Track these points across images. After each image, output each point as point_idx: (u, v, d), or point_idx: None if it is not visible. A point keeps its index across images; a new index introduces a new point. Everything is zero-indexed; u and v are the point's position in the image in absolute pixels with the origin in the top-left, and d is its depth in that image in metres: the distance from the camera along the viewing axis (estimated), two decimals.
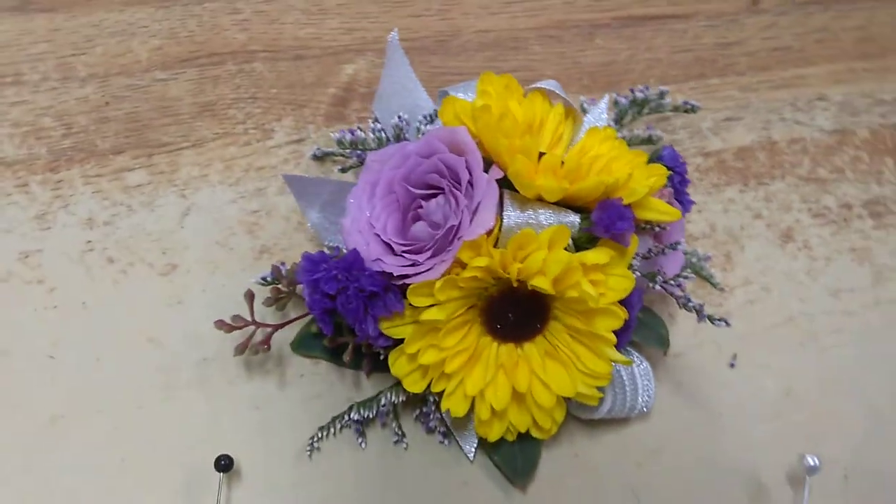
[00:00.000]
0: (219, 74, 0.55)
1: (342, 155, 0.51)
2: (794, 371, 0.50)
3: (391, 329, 0.42)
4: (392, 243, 0.42)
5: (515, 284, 0.41)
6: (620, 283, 0.41)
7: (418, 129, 0.46)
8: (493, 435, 0.43)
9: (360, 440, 0.44)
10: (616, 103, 0.52)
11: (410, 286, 0.41)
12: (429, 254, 0.41)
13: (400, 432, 0.44)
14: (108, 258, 0.48)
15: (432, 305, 0.41)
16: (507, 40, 0.61)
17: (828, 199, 0.58)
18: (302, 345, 0.46)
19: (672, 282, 0.43)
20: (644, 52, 0.62)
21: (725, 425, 0.48)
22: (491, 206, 0.40)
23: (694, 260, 0.47)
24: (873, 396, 0.50)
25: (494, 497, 0.44)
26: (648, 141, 0.51)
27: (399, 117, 0.46)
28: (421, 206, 0.43)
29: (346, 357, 0.44)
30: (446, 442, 0.44)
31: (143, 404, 0.44)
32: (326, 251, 0.45)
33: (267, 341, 0.43)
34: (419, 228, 0.42)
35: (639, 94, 0.51)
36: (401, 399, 0.44)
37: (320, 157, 0.52)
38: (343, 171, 0.50)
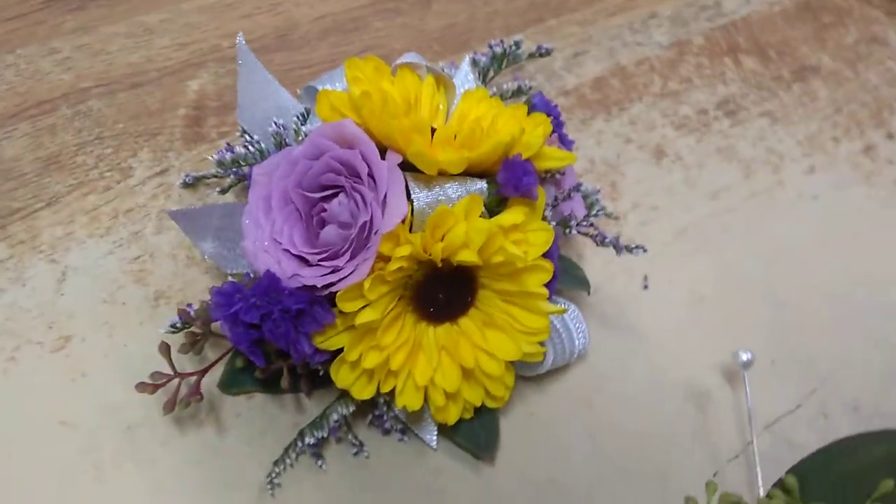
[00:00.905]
0: (54, 122, 0.50)
1: (216, 176, 0.48)
2: (699, 278, 0.53)
3: (326, 342, 0.40)
4: (305, 255, 0.40)
5: (440, 265, 0.40)
6: (540, 237, 0.41)
7: (296, 132, 0.44)
8: (452, 418, 0.42)
9: (319, 462, 0.42)
10: (476, 63, 0.52)
11: (338, 293, 0.39)
12: (347, 256, 0.39)
13: (357, 442, 0.43)
14: None
15: (364, 307, 0.39)
16: (346, 22, 0.59)
17: (685, 109, 0.60)
18: (231, 383, 0.43)
19: (584, 223, 0.44)
20: (482, 7, 0.62)
21: (656, 344, 0.49)
22: (400, 192, 0.39)
23: (591, 197, 0.48)
24: (772, 283, 0.53)
25: (466, 476, 0.44)
26: (518, 92, 0.51)
27: (275, 123, 0.43)
28: (324, 210, 0.41)
29: (284, 383, 0.41)
30: (405, 439, 0.43)
31: (73, 494, 0.40)
32: (233, 280, 0.42)
33: (197, 390, 0.41)
34: (329, 233, 0.40)
35: (497, 49, 0.51)
36: (350, 410, 0.42)
37: (192, 184, 0.49)
38: (223, 192, 0.47)
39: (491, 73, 0.52)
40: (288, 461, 0.42)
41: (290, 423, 0.43)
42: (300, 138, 0.43)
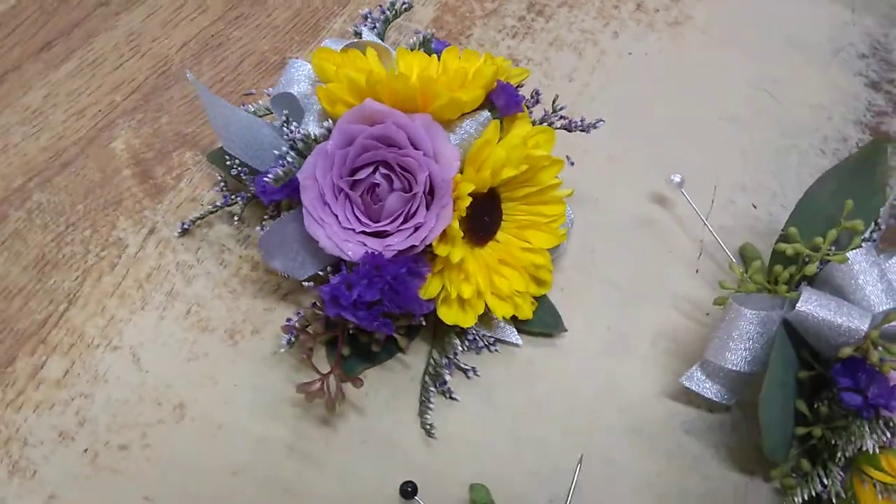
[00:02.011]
0: (15, 228, 0.47)
1: (212, 212, 0.49)
2: (608, 144, 0.63)
3: (425, 292, 0.46)
4: (382, 229, 0.45)
5: (485, 191, 0.47)
6: (544, 137, 0.49)
7: (307, 140, 0.47)
8: (528, 311, 0.50)
9: (452, 396, 0.47)
10: (370, 30, 0.57)
11: (433, 243, 0.44)
12: (423, 211, 0.44)
13: (467, 366, 0.48)
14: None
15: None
16: (208, 41, 0.60)
17: (509, 21, 0.70)
18: (351, 368, 0.46)
19: (555, 118, 0.52)
20: None
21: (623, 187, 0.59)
22: (445, 141, 0.45)
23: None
24: (648, 120, 0.65)
25: (551, 353, 0.51)
26: (425, 42, 0.57)
27: (292, 130, 0.46)
28: (377, 185, 0.45)
29: (403, 343, 0.46)
30: (497, 348, 0.50)
31: None
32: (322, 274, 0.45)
33: (355, 378, 0.44)
34: (393, 202, 0.45)
35: (388, 13, 0.57)
36: (457, 344, 0.48)
37: (189, 229, 0.50)
38: (240, 219, 0.49)
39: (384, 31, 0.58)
40: (430, 406, 0.46)
41: (406, 379, 0.48)
42: (312, 139, 0.46)
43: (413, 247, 0.44)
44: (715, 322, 0.56)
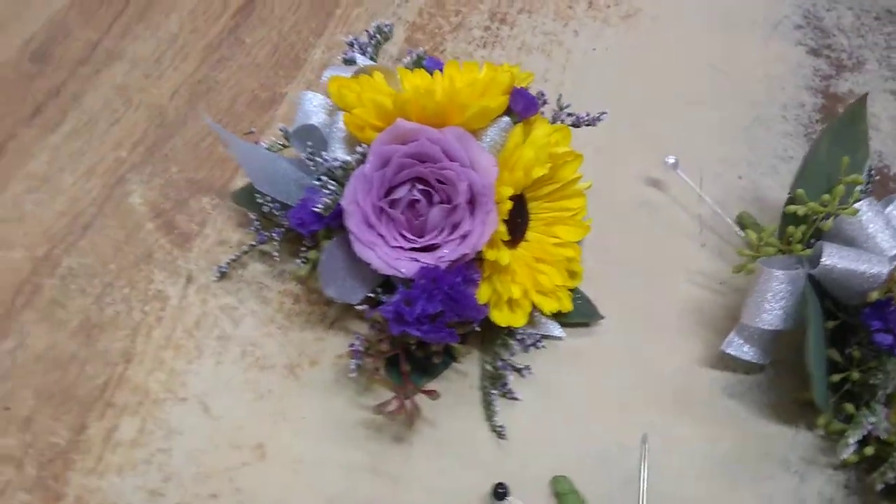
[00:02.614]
0: (52, 296, 0.47)
1: (245, 252, 0.50)
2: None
3: (478, 298, 0.47)
4: (433, 241, 0.46)
5: (520, 192, 0.48)
6: (563, 134, 0.51)
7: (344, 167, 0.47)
8: (569, 303, 0.51)
9: (514, 396, 0.49)
10: (365, 53, 0.58)
11: (483, 248, 0.46)
12: (468, 219, 0.46)
13: (520, 366, 0.50)
14: None
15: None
16: (195, 86, 0.60)
17: (476, 32, 0.72)
18: (419, 380, 0.47)
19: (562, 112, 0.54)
20: (280, 24, 0.66)
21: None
22: (480, 149, 0.46)
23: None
24: (630, 106, 0.68)
25: (591, 341, 0.53)
26: (417, 61, 0.58)
27: (327, 159, 0.47)
28: (417, 201, 0.46)
29: (463, 353, 0.47)
30: (542, 344, 0.51)
31: None
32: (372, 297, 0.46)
33: (430, 391, 0.45)
34: (435, 216, 0.46)
35: (374, 39, 0.58)
36: (513, 346, 0.49)
37: (225, 272, 0.50)
38: (278, 254, 0.49)
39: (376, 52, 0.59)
40: (495, 409, 0.48)
41: (465, 387, 0.49)
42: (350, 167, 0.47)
43: (465, 255, 0.45)
44: (730, 290, 0.59)
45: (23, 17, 0.62)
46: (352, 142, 0.49)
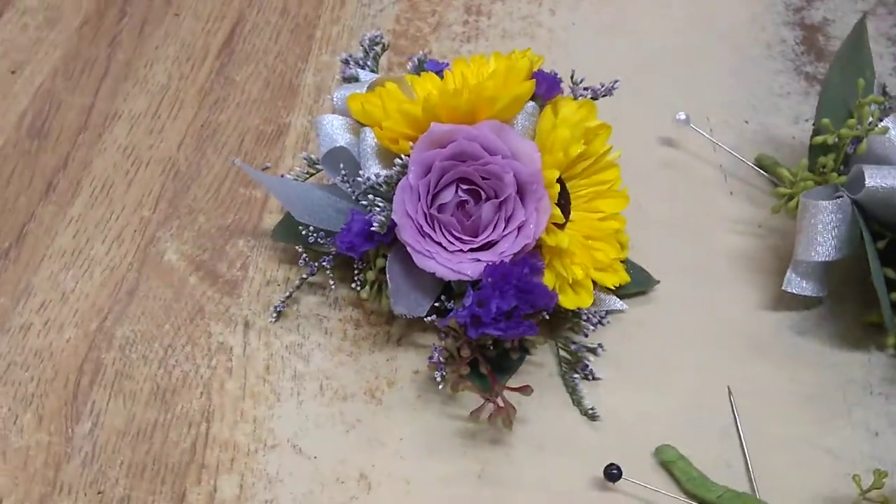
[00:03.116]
0: (117, 369, 0.45)
1: (297, 287, 0.49)
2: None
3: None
4: (490, 238, 0.45)
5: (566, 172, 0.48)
6: (588, 108, 0.50)
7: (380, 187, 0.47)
8: (625, 275, 0.51)
9: (595, 377, 0.48)
10: (365, 67, 0.57)
11: (542, 236, 0.45)
12: (521, 209, 0.45)
13: (594, 345, 0.49)
14: None
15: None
16: (200, 132, 0.59)
17: (456, 28, 0.71)
18: (503, 376, 0.47)
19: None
20: (268, 55, 0.66)
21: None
22: (519, 137, 0.46)
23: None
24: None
25: (653, 309, 0.53)
26: (420, 64, 0.58)
27: (369, 177, 0.46)
28: (465, 202, 0.46)
29: (541, 339, 0.47)
30: (607, 320, 0.51)
31: None
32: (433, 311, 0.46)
33: (524, 387, 0.44)
34: (486, 212, 0.46)
35: (371, 52, 0.57)
36: (588, 330, 0.49)
37: (282, 311, 0.49)
38: (333, 283, 0.49)
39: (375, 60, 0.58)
40: (581, 392, 0.47)
41: (545, 376, 0.48)
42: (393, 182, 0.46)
43: (525, 246, 0.45)
44: (769, 232, 0.59)
45: (8, 94, 0.60)
46: (384, 155, 0.48)
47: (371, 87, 0.51)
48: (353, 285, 0.48)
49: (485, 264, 0.44)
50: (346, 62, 0.57)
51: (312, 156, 0.53)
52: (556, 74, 0.53)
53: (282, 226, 0.51)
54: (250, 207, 0.55)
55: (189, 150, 0.58)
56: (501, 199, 0.45)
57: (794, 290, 0.52)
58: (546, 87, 0.49)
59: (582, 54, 0.70)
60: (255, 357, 0.47)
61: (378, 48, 0.57)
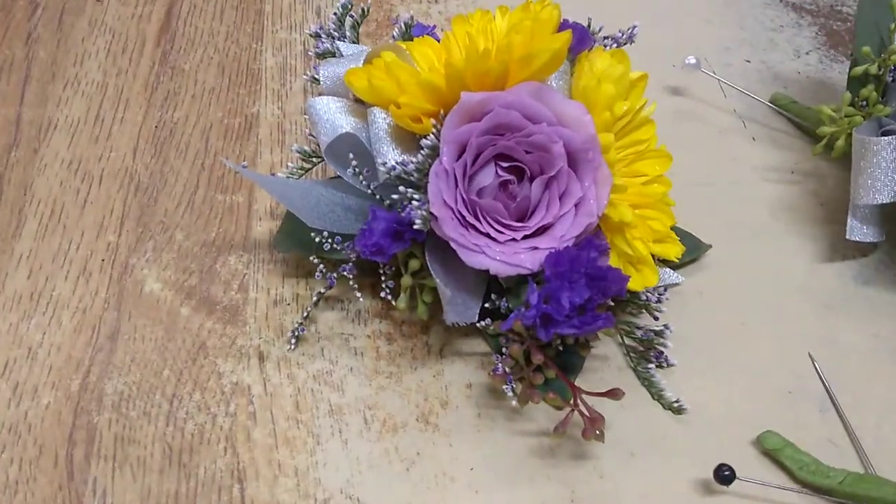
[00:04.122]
0: (116, 433, 0.37)
1: (315, 305, 0.41)
2: None
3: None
4: (544, 222, 0.39)
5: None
6: (620, 57, 0.44)
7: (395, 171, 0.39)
8: (678, 244, 0.45)
9: (670, 363, 0.43)
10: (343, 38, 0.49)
11: (608, 210, 0.39)
12: (577, 182, 0.39)
13: (664, 325, 0.43)
14: None
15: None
16: (156, 132, 0.50)
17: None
18: (566, 390, 0.40)
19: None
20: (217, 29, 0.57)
21: None
22: (562, 99, 0.39)
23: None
24: None
25: (709, 277, 0.47)
26: (407, 28, 0.50)
27: (395, 165, 0.38)
28: (509, 181, 0.39)
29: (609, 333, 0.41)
30: (666, 296, 0.45)
31: None
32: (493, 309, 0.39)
33: (613, 391, 0.38)
34: (535, 189, 0.39)
35: (352, 15, 0.50)
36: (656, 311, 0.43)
37: (301, 335, 0.41)
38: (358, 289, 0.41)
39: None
40: (660, 383, 0.42)
41: (614, 371, 0.42)
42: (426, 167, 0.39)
43: (589, 224, 0.38)
44: (804, 176, 0.54)
45: None
46: (402, 138, 0.41)
47: (368, 60, 0.43)
48: (383, 294, 0.41)
49: (545, 252, 0.38)
50: (317, 36, 0.49)
51: (307, 147, 0.45)
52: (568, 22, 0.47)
53: (283, 234, 0.43)
54: (234, 216, 0.46)
55: (147, 157, 0.49)
56: (551, 174, 0.39)
57: (857, 238, 0.47)
58: (577, 39, 0.42)
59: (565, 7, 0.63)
60: (279, 394, 0.39)
61: (357, 16, 0.50)
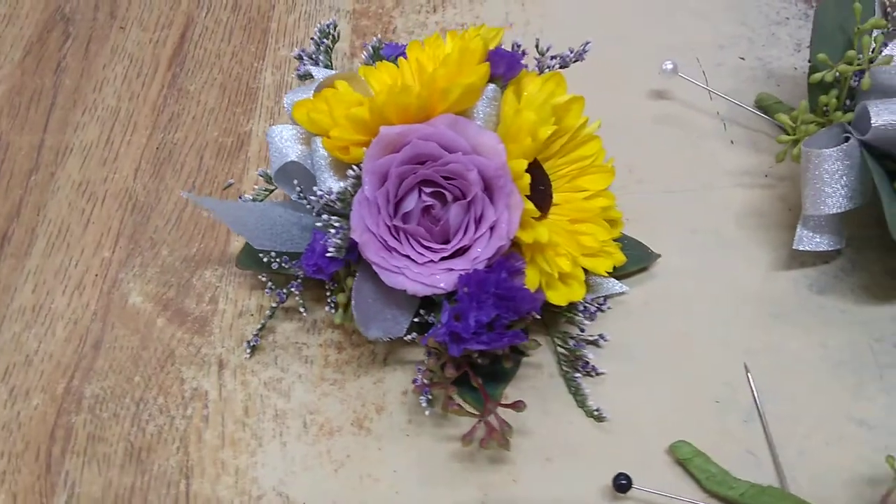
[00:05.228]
0: (89, 432, 0.43)
1: (270, 317, 0.45)
2: None
3: (528, 285, 0.43)
4: (462, 244, 0.41)
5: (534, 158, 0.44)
6: (556, 81, 0.46)
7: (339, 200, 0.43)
8: (621, 255, 0.46)
9: (597, 373, 0.45)
10: (317, 63, 0.53)
11: (518, 234, 0.41)
12: (491, 206, 0.41)
13: (596, 336, 0.45)
14: None
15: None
16: (156, 153, 0.55)
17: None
18: (494, 398, 0.43)
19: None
20: (224, 50, 0.62)
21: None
22: (478, 129, 0.42)
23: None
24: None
25: (655, 284, 0.49)
26: (376, 50, 0.53)
27: (321, 194, 0.42)
28: (430, 206, 0.42)
29: (534, 344, 0.43)
30: (607, 305, 0.47)
31: None
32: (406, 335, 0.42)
33: (516, 403, 0.41)
34: (454, 214, 0.42)
35: (323, 43, 0.53)
36: (581, 325, 0.45)
37: (257, 345, 0.46)
38: (304, 308, 0.45)
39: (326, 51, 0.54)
40: (585, 392, 0.44)
41: (545, 378, 0.45)
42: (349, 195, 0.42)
43: (500, 247, 0.41)
44: (777, 180, 0.54)
45: None
46: (340, 166, 0.44)
47: (318, 90, 0.46)
48: (327, 308, 0.45)
49: (458, 275, 0.41)
50: (300, 58, 0.53)
51: (269, 171, 0.49)
52: (519, 46, 0.49)
53: (245, 253, 0.48)
54: (215, 232, 0.51)
55: (146, 177, 0.54)
56: (468, 199, 0.41)
57: (806, 248, 0.47)
58: (506, 66, 0.45)
59: (559, 9, 0.65)
60: (232, 400, 0.44)
61: (328, 40, 0.53)
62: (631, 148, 0.55)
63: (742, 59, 0.62)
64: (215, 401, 0.44)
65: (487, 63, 0.42)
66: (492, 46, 0.46)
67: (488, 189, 0.41)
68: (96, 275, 0.49)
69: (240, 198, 0.49)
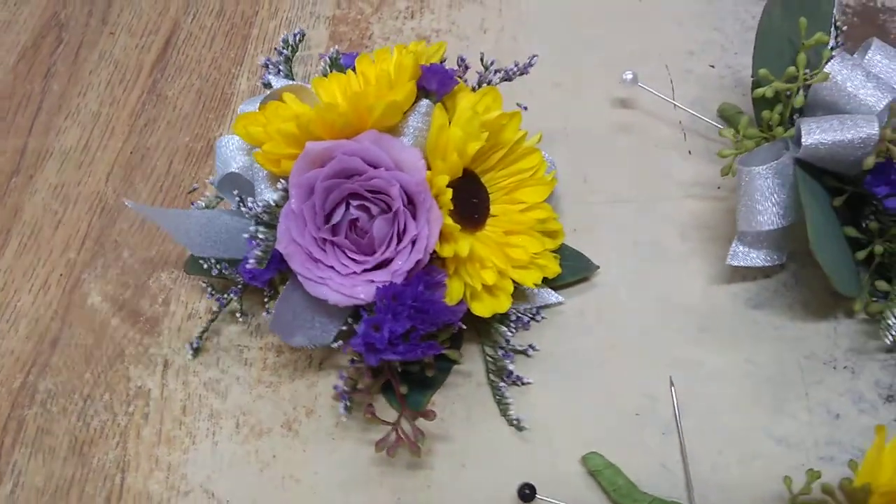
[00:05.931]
0: (38, 425, 0.45)
1: (212, 320, 0.48)
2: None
3: (449, 298, 0.44)
4: (385, 256, 0.43)
5: (462, 173, 0.45)
6: (491, 96, 0.47)
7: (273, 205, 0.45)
8: (556, 266, 0.47)
9: (523, 382, 0.46)
10: (279, 72, 0.55)
11: (436, 248, 0.42)
12: (413, 222, 0.43)
13: (525, 346, 0.46)
14: None
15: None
16: (129, 158, 0.58)
17: (400, 5, 0.68)
18: (418, 405, 0.45)
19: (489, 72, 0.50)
20: (204, 55, 0.64)
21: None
22: (401, 146, 0.43)
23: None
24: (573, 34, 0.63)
25: (591, 297, 0.49)
26: (335, 61, 0.55)
27: (252, 205, 0.44)
28: (356, 219, 0.43)
29: (457, 356, 0.44)
30: (542, 315, 0.48)
31: None
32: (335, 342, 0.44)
33: (426, 412, 0.42)
34: (379, 226, 0.43)
35: (284, 52, 0.55)
36: (509, 334, 0.47)
37: (199, 347, 0.48)
38: (243, 314, 0.47)
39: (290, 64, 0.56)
40: (508, 401, 0.45)
41: (473, 387, 0.46)
42: (275, 206, 0.44)
43: (419, 261, 0.42)
44: (730, 193, 0.54)
45: None
46: (276, 178, 0.46)
47: (265, 101, 0.48)
48: (265, 314, 0.47)
49: (377, 286, 0.42)
50: (266, 66, 0.55)
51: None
52: (463, 61, 0.50)
53: (193, 259, 0.50)
54: None
55: (117, 181, 0.57)
56: (392, 212, 0.43)
57: (738, 264, 0.47)
58: (438, 83, 0.46)
59: (533, 16, 0.65)
60: (172, 399, 0.46)
61: (288, 52, 0.55)
62: (589, 157, 0.56)
63: (712, 66, 0.61)
64: (157, 399, 0.46)
65: (413, 81, 0.44)
66: (435, 61, 0.47)
67: (412, 203, 0.43)
68: (61, 275, 0.52)
69: (192, 204, 0.51)
